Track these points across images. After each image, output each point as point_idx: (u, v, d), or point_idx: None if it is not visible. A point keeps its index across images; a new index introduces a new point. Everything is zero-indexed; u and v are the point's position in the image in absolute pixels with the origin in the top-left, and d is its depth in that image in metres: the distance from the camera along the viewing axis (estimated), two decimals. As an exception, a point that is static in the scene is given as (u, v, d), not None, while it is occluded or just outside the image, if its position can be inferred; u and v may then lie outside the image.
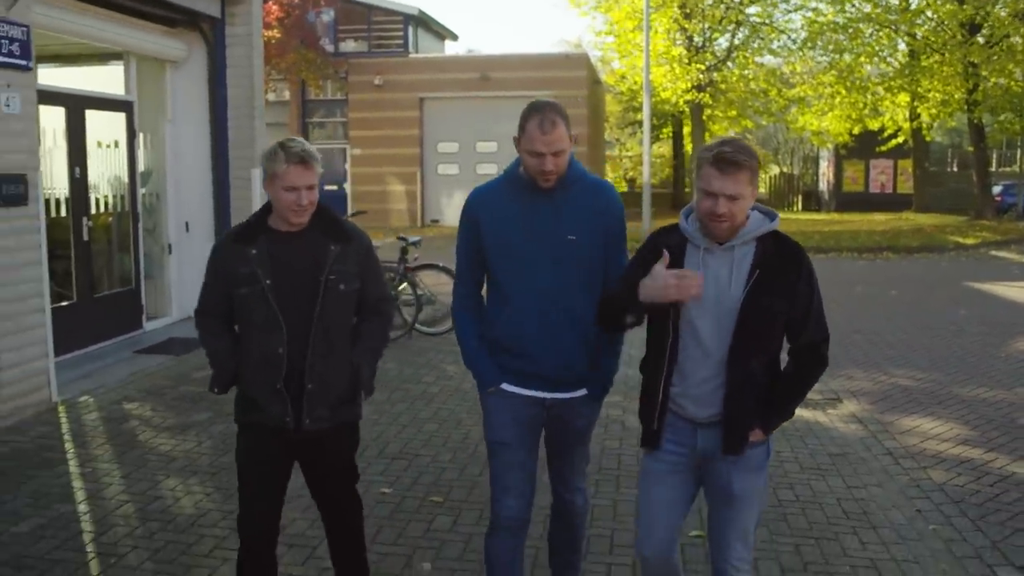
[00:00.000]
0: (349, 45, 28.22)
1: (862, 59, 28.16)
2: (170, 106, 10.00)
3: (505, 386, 3.41)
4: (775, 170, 42.62)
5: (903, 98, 28.94)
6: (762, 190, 40.41)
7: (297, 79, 26.70)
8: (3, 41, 6.21)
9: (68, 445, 5.99)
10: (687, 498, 3.17)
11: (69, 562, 4.26)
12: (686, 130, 32.80)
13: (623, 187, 41.45)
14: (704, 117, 28.65)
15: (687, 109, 28.97)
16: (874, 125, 30.40)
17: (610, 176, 41.00)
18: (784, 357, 3.08)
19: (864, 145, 32.92)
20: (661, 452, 3.10)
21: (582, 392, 3.40)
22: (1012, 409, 7.11)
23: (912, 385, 7.93)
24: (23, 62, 6.43)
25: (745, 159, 2.81)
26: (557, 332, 3.30)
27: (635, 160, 41.09)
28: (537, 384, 3.37)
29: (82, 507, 4.94)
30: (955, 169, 39.15)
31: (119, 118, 9.24)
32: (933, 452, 6.08)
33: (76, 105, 8.37)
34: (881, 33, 28.25)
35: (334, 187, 28.01)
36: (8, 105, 6.28)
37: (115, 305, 9.05)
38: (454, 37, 33.15)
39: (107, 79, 9.37)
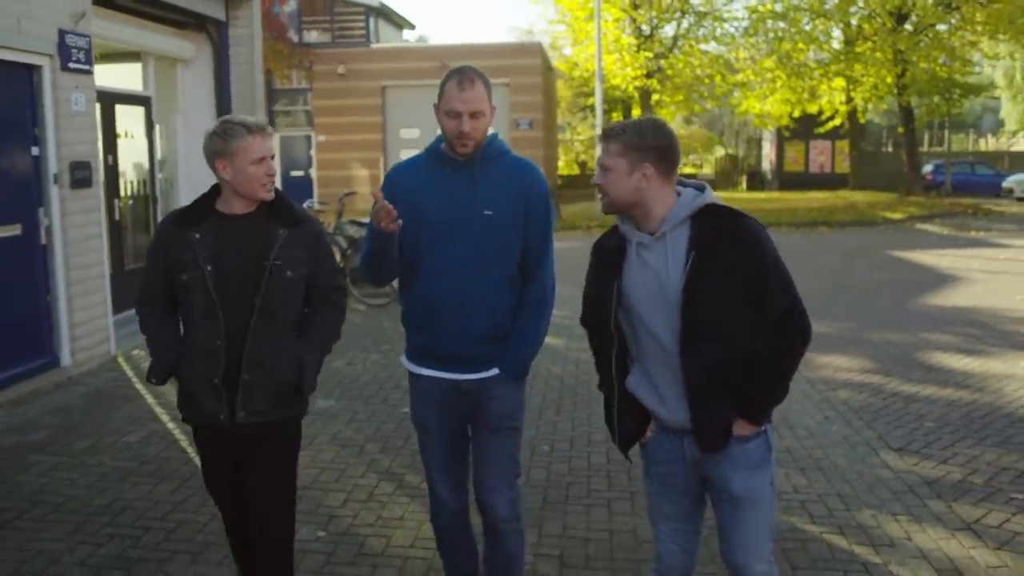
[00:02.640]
0: (312, 36, 29.23)
1: (800, 45, 29.76)
2: (181, 100, 11.16)
3: (422, 370, 3.36)
4: (720, 152, 44.31)
5: (839, 83, 30.63)
6: (708, 171, 42.17)
7: (264, 68, 27.64)
8: (73, 50, 7.39)
9: (138, 386, 7.24)
10: (697, 503, 3.02)
11: (176, 459, 5.55)
12: (635, 114, 34.20)
13: (575, 170, 42.83)
14: (652, 102, 30.11)
15: (636, 95, 30.40)
16: (812, 108, 32.01)
17: (562, 159, 42.36)
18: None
19: (804, 127, 34.59)
20: (656, 472, 2.99)
21: (494, 371, 3.28)
22: (910, 348, 8.63)
23: (831, 332, 9.41)
24: (87, 67, 7.62)
25: (619, 132, 2.78)
26: (467, 308, 3.22)
27: (586, 143, 42.47)
28: (450, 366, 3.30)
29: (170, 424, 6.21)
30: (890, 149, 41.11)
31: (139, 111, 10.39)
32: (843, 379, 7.53)
33: (108, 100, 9.51)
34: (817, 21, 29.89)
35: (300, 173, 29.06)
36: (76, 104, 7.47)
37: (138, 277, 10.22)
38: (411, 26, 34.29)
39: (127, 76, 10.51)
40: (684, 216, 2.77)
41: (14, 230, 7.03)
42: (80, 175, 7.52)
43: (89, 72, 7.67)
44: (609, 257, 2.91)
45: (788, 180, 36.90)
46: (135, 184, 10.32)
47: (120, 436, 5.96)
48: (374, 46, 28.84)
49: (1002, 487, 5.12)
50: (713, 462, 2.85)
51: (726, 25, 30.97)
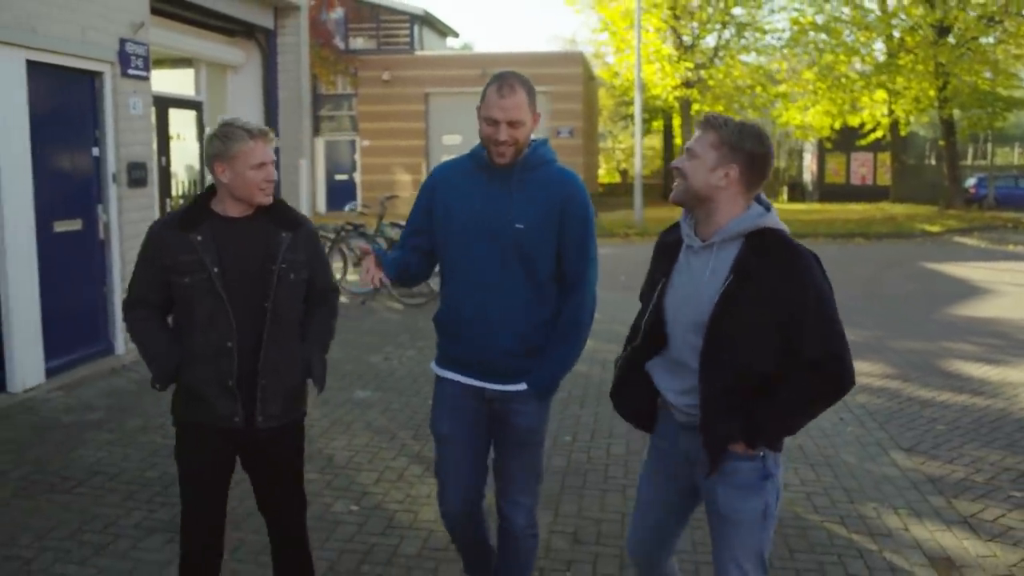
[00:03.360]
0: (358, 43, 29.83)
1: (842, 57, 29.79)
2: (230, 105, 11.65)
3: (447, 373, 3.34)
4: (762, 162, 44.25)
5: (880, 95, 30.60)
6: (749, 181, 42.15)
7: (310, 74, 28.29)
8: (132, 57, 7.87)
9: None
10: (674, 503, 2.99)
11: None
12: (676, 123, 34.42)
13: (616, 178, 43.08)
14: (692, 112, 30.31)
15: (676, 104, 30.61)
16: (854, 121, 31.99)
17: (603, 167, 42.61)
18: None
19: (846, 139, 34.53)
20: (656, 452, 2.99)
21: (521, 386, 3.23)
22: (931, 356, 8.83)
23: (856, 339, 9.59)
24: (144, 73, 8.09)
25: (721, 123, 2.70)
26: (490, 321, 3.18)
27: (627, 152, 42.71)
28: (474, 372, 3.26)
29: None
30: (934, 162, 40.86)
31: (190, 115, 10.90)
32: (862, 384, 7.76)
33: (162, 105, 10.01)
34: (859, 33, 29.91)
35: (344, 177, 29.66)
36: (134, 108, 7.94)
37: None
38: (455, 34, 34.79)
39: (180, 82, 11.03)
40: (739, 232, 2.67)
41: (75, 225, 7.51)
42: (136, 175, 7.99)
43: (146, 78, 8.14)
44: (666, 251, 2.86)
45: (829, 192, 36.82)
46: (185, 184, 10.82)
47: (168, 418, 6.36)
48: (418, 53, 29.37)
49: (1002, 486, 5.35)
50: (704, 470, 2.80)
51: (767, 37, 31.11)
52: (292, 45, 11.77)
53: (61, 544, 4.34)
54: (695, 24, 29.44)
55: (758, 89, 30.91)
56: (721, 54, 30.14)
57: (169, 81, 10.77)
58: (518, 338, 3.20)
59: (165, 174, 10.08)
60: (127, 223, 7.97)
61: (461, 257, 3.21)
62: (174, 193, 10.39)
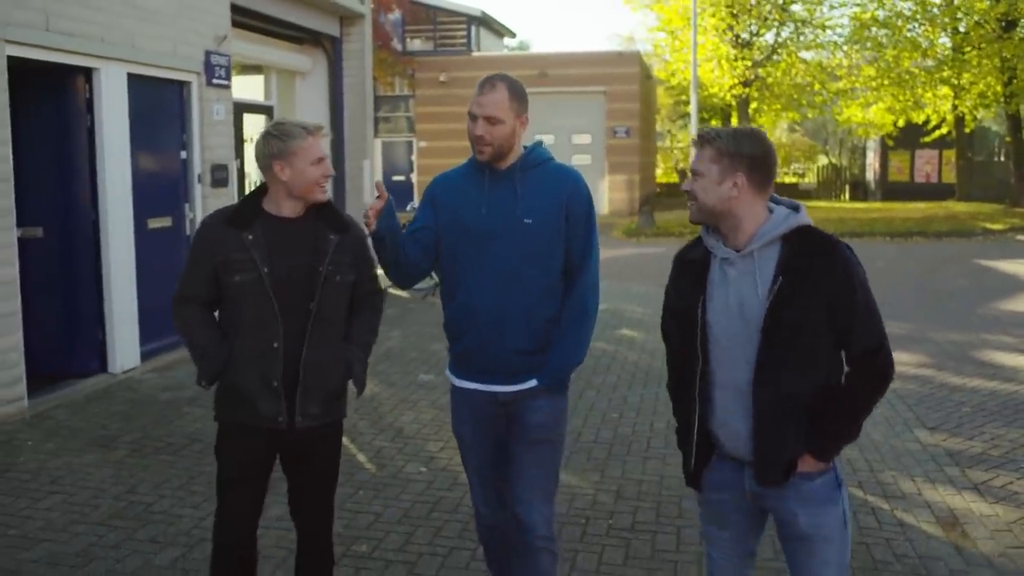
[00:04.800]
0: (415, 44, 30.79)
1: (905, 53, 29.93)
2: (298, 109, 12.57)
3: (462, 382, 3.41)
4: (823, 161, 44.40)
5: (944, 91, 30.68)
6: (810, 180, 42.31)
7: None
8: (216, 67, 8.79)
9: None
10: (754, 529, 2.96)
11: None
12: (734, 122, 34.80)
13: (674, 177, 43.47)
14: (750, 110, 30.73)
15: (734, 103, 31.05)
16: (918, 117, 32.01)
17: (661, 167, 43.08)
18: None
19: (909, 136, 34.48)
20: (714, 490, 2.91)
21: (532, 383, 3.30)
22: (968, 346, 9.38)
23: (898, 331, 10.15)
24: (226, 82, 9.01)
25: (715, 137, 2.74)
26: (505, 318, 3.25)
27: (685, 151, 43.09)
28: (489, 377, 3.33)
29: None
30: (1003, 159, 40.59)
31: (261, 120, 11.82)
32: (898, 372, 8.20)
33: (238, 110, 10.92)
34: (923, 28, 30.04)
35: (401, 178, 30.62)
36: (217, 114, 8.85)
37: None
38: (512, 35, 35.60)
39: (252, 87, 11.97)
40: (776, 235, 2.70)
41: (166, 222, 8.43)
42: (219, 176, 8.91)
43: (228, 87, 9.06)
44: (693, 271, 2.83)
45: (892, 190, 36.83)
46: (257, 184, 11.72)
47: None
48: (475, 54, 30.23)
49: (1016, 458, 5.94)
50: (776, 496, 2.76)
51: (828, 32, 31.37)
52: (357, 52, 12.66)
53: (175, 493, 5.19)
54: (753, 22, 29.84)
55: (817, 86, 31.19)
56: (780, 51, 30.49)
57: (242, 87, 11.69)
58: (529, 336, 3.27)
59: (240, 175, 10.99)
60: (210, 220, 8.88)
61: (471, 258, 3.27)
62: (249, 190, 11.30)
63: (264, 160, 3.21)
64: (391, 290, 12.14)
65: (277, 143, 3.17)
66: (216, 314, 3.33)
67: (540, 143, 3.42)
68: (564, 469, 5.51)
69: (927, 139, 33.37)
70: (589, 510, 5.02)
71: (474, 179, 3.33)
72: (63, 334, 7.53)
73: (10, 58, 6.54)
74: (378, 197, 3.19)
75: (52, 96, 7.48)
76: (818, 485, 2.75)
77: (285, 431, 3.23)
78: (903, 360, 8.71)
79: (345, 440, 6.07)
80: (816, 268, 2.66)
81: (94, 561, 4.34)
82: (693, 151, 2.81)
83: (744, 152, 2.71)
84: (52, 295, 7.49)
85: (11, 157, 6.52)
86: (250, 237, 3.16)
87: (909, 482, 5.51)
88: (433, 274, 3.44)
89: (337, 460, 3.47)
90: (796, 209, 2.78)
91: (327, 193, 3.28)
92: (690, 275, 2.84)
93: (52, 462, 5.68)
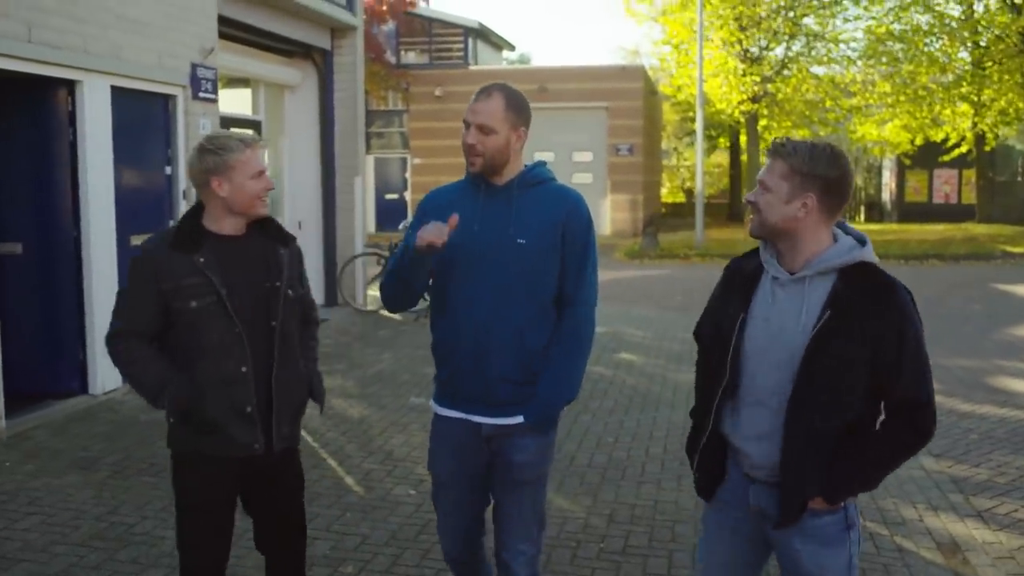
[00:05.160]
0: (410, 57, 31.12)
1: (922, 68, 30.23)
2: (287, 124, 12.80)
3: (446, 411, 3.38)
4: (837, 180, 44.62)
5: (964, 107, 30.97)
6: (823, 200, 42.53)
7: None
8: (202, 81, 9.01)
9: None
10: (754, 561, 2.97)
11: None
12: (742, 140, 35.15)
13: (680, 197, 43.82)
14: (759, 127, 31.03)
15: (743, 120, 31.36)
16: (936, 135, 32.25)
17: (667, 186, 43.38)
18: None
19: (927, 154, 34.71)
20: (719, 504, 2.94)
21: (518, 419, 3.27)
22: (980, 373, 9.56)
23: (907, 357, 10.37)
24: (213, 95, 9.24)
25: (790, 151, 2.69)
26: (493, 343, 3.22)
27: (692, 170, 43.40)
28: (472, 407, 3.30)
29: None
30: (1024, 179, 40.81)
31: (249, 134, 12.01)
32: (905, 398, 8.53)
33: (224, 124, 11.12)
34: (941, 42, 30.36)
35: (394, 196, 30.87)
36: (203, 128, 9.07)
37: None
38: (511, 47, 35.98)
39: (239, 101, 12.20)
40: (834, 266, 2.68)
41: (149, 239, 8.63)
42: (205, 192, 9.10)
43: (215, 100, 9.29)
44: (742, 282, 2.84)
45: (909, 211, 37.05)
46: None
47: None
48: (472, 68, 30.57)
49: (1022, 486, 6.11)
50: (786, 531, 2.77)
51: (841, 47, 31.71)
52: (348, 65, 12.91)
53: (157, 515, 5.35)
54: (762, 36, 30.19)
55: (828, 103, 31.49)
56: (790, 66, 30.83)
57: (229, 101, 11.92)
58: (517, 364, 3.24)
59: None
60: (195, 238, 9.08)
61: (460, 278, 3.26)
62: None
63: (200, 176, 3.17)
64: (382, 312, 12.32)
65: (213, 158, 3.15)
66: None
67: (543, 163, 3.40)
68: (557, 493, 5.75)
69: (946, 158, 33.63)
70: (580, 533, 5.19)
71: (469, 194, 3.31)
72: (43, 353, 7.69)
73: (-8, 70, 6.76)
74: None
75: (33, 109, 7.68)
76: (826, 523, 2.75)
77: (260, 457, 3.23)
78: (911, 386, 8.90)
79: (333, 463, 6.31)
80: (868, 308, 2.63)
81: (74, 582, 4.49)
82: (765, 162, 2.77)
83: (819, 172, 2.66)
84: (32, 313, 7.66)
85: (-8, 171, 6.73)
86: (201, 259, 3.14)
87: (911, 508, 5.68)
88: (426, 295, 3.46)
89: (303, 478, 3.51)
90: (863, 242, 2.75)
91: (266, 207, 3.27)
92: (738, 286, 2.85)
93: (31, 483, 5.84)
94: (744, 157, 35.68)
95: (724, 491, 2.93)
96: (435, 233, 3.04)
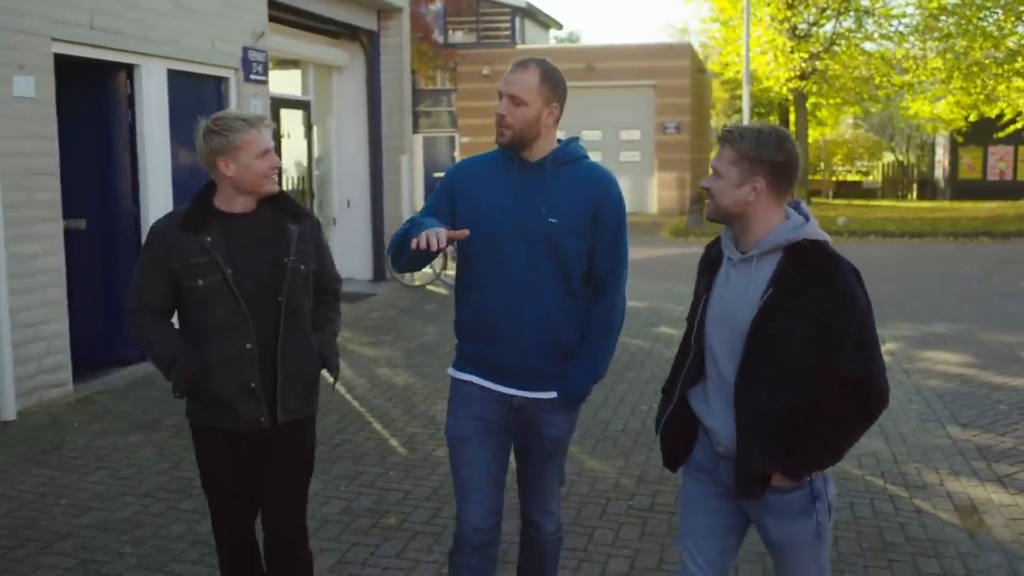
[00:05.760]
0: (458, 36, 31.41)
1: (977, 43, 29.86)
2: (336, 104, 13.18)
3: (471, 376, 3.35)
4: (889, 158, 44.29)
5: (1019, 83, 30.54)
6: (875, 178, 42.26)
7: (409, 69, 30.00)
8: (253, 63, 9.41)
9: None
10: (734, 528, 3.04)
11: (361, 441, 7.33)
12: (791, 118, 34.99)
13: (729, 175, 43.61)
14: (808, 105, 30.90)
15: (791, 97, 31.25)
16: (990, 111, 31.87)
17: (716, 164, 43.19)
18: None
19: (982, 131, 34.16)
20: (696, 476, 3.04)
21: (551, 395, 3.30)
22: (1018, 347, 9.67)
23: (946, 332, 10.52)
24: (263, 77, 9.63)
25: (737, 138, 2.81)
26: (524, 320, 3.23)
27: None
28: (503, 378, 3.30)
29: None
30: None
31: (299, 114, 12.45)
32: (939, 371, 8.71)
33: (275, 105, 11.55)
34: (996, 17, 29.95)
35: (442, 174, 31.12)
36: (255, 109, 9.47)
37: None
38: (559, 26, 36.13)
39: (289, 82, 12.60)
40: (777, 244, 2.79)
41: (204, 216, 9.06)
42: (256, 171, 9.52)
43: (265, 82, 9.68)
44: (708, 265, 2.99)
45: (963, 188, 36.65)
46: (295, 180, 12.38)
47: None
48: (519, 47, 30.77)
49: (1046, 455, 6.31)
50: (754, 504, 2.89)
51: (893, 22, 31.40)
52: (395, 46, 13.25)
53: (214, 471, 5.75)
54: (811, 12, 30.03)
55: (877, 79, 31.24)
56: (839, 43, 30.63)
57: (279, 82, 12.32)
58: (549, 340, 3.27)
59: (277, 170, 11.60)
60: (247, 215, 9.50)
61: (489, 254, 3.24)
62: (284, 187, 11.93)
63: (208, 158, 3.23)
64: (429, 287, 12.68)
65: (219, 139, 3.19)
66: (175, 322, 3.38)
67: (576, 139, 3.38)
68: (591, 455, 6.09)
69: (1001, 134, 33.16)
70: (611, 492, 5.50)
71: (502, 169, 3.28)
72: (104, 323, 8.15)
73: (56, 55, 7.17)
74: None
75: (95, 92, 8.12)
76: (791, 499, 2.85)
77: (266, 430, 3.31)
78: (945, 360, 9.07)
79: (378, 426, 6.69)
80: (811, 285, 2.72)
81: (141, 527, 4.91)
82: (718, 146, 2.87)
83: (766, 157, 2.78)
84: (94, 286, 8.13)
85: (57, 152, 7.15)
86: (208, 239, 3.20)
87: (933, 474, 5.91)
88: (433, 265, 3.52)
89: (313, 451, 3.54)
90: (807, 219, 2.85)
91: (276, 184, 3.31)
92: (706, 271, 2.99)
93: (98, 441, 6.29)
94: (793, 135, 35.43)
95: (700, 465, 3.01)
96: (434, 240, 2.98)
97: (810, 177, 35.92)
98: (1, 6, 6.61)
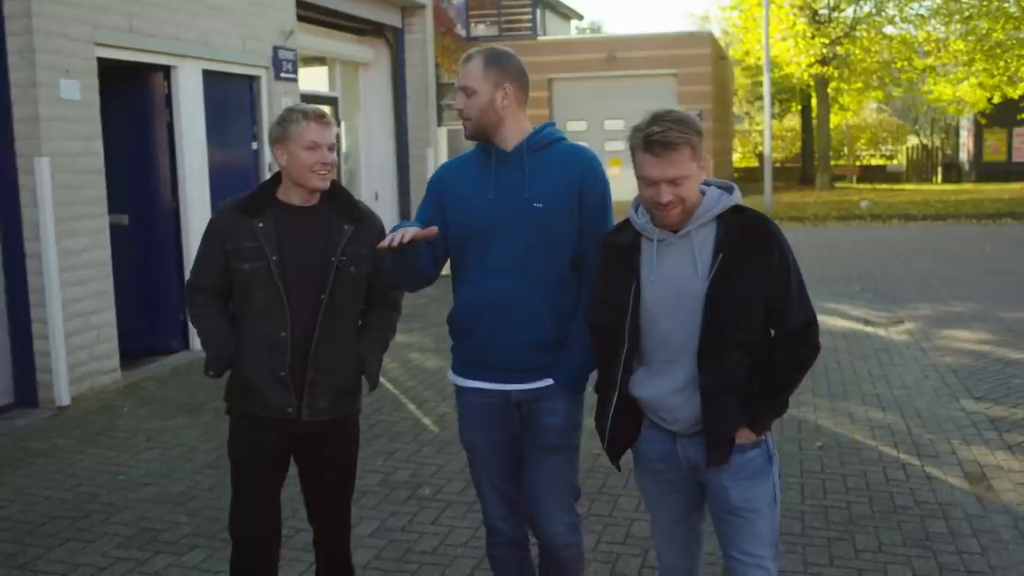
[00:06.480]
0: (480, 29, 31.65)
1: (997, 24, 29.78)
2: (362, 100, 13.50)
3: (469, 382, 3.33)
4: (913, 141, 44.17)
5: (1042, 63, 30.42)
6: (899, 162, 42.17)
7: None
8: (283, 62, 9.73)
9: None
10: (696, 509, 3.10)
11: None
12: (813, 104, 35.02)
13: (753, 162, 43.69)
14: (830, 89, 30.95)
15: (812, 82, 31.30)
16: (1014, 93, 31.74)
17: (739, 151, 43.33)
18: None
19: (1006, 112, 33.95)
20: (650, 469, 3.04)
21: (548, 382, 3.22)
22: (1034, 324, 9.89)
23: (964, 311, 10.69)
24: (293, 75, 9.96)
25: (680, 135, 2.74)
26: (516, 310, 3.19)
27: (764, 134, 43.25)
28: (499, 375, 3.25)
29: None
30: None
31: (326, 110, 12.76)
32: (955, 348, 8.90)
33: (304, 102, 11.87)
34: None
35: (466, 166, 31.49)
36: (285, 106, 9.79)
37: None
38: (579, 17, 36.33)
39: (316, 79, 12.93)
40: (711, 216, 2.85)
41: (239, 210, 9.41)
42: (289, 166, 9.86)
43: (295, 80, 10.02)
44: (622, 256, 2.94)
45: (988, 171, 36.46)
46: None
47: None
48: (540, 38, 31.00)
49: (1058, 425, 6.52)
50: (711, 469, 2.91)
51: (914, 5, 31.39)
52: (419, 42, 13.58)
53: (258, 450, 6.09)
54: (830, -1, 30.06)
55: (899, 64, 31.22)
56: (860, 27, 30.65)
57: (307, 79, 12.64)
58: (543, 329, 3.22)
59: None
60: (280, 208, 9.84)
61: (480, 248, 3.23)
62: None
63: (271, 146, 3.35)
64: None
65: (278, 128, 3.29)
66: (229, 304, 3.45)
67: (551, 123, 3.36)
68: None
69: (1024, 116, 33.09)
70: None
71: (480, 164, 3.27)
72: (148, 314, 8.52)
73: (99, 59, 7.52)
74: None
75: (135, 93, 8.48)
76: (750, 458, 2.92)
77: (295, 423, 3.31)
78: (963, 338, 9.28)
79: (412, 406, 7.01)
80: (751, 244, 2.82)
81: (193, 500, 5.26)
82: (646, 157, 2.81)
83: (696, 139, 2.82)
84: (137, 279, 8.49)
85: (102, 151, 7.51)
86: (260, 225, 3.25)
87: (945, 443, 6.14)
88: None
89: (353, 458, 3.54)
90: (729, 190, 2.92)
91: (324, 181, 3.29)
92: (619, 259, 2.96)
93: (147, 424, 6.66)
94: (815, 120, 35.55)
95: (651, 459, 3.03)
96: (397, 237, 2.98)
97: (833, 162, 35.97)
98: (48, 15, 6.95)
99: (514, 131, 3.25)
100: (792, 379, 2.94)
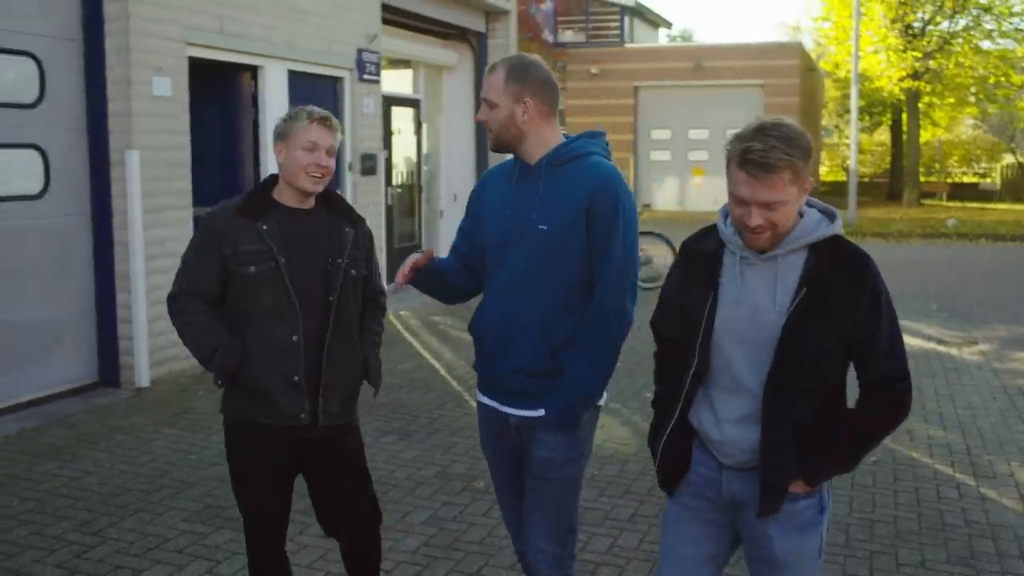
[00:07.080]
0: (567, 35, 31.83)
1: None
2: (444, 103, 13.76)
3: (481, 396, 3.31)
4: (1009, 159, 43.05)
5: None
6: (993, 180, 41.14)
7: (518, 68, 30.51)
8: (367, 64, 10.02)
9: (421, 333, 9.79)
10: (719, 555, 2.83)
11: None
12: (903, 118, 34.41)
13: (841, 176, 43.05)
14: (921, 104, 30.38)
15: (904, 97, 30.77)
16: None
17: (826, 164, 42.73)
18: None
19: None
20: (685, 497, 2.79)
21: (540, 412, 3.08)
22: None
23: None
24: (376, 77, 10.25)
25: (783, 156, 2.43)
26: (515, 334, 3.09)
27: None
28: (501, 396, 3.18)
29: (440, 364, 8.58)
30: None
31: (409, 112, 13.06)
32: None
33: (387, 103, 12.17)
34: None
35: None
36: (367, 107, 10.09)
37: (404, 255, 12.89)
38: (668, 25, 36.23)
39: (400, 82, 13.22)
40: (804, 243, 2.58)
41: (318, 207, 9.73)
42: (368, 164, 10.16)
43: (377, 81, 10.31)
44: (702, 263, 2.70)
45: (1091, 192, 35.52)
46: (404, 174, 13.00)
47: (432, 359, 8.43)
48: (628, 46, 31.04)
49: (1122, 450, 6.43)
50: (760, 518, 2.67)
51: (1014, 20, 30.66)
52: (502, 47, 13.78)
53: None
54: (924, 11, 29.51)
55: (992, 80, 30.51)
56: (954, 42, 30.04)
57: (391, 81, 12.95)
58: (539, 355, 3.07)
59: (387, 165, 12.23)
60: (359, 206, 10.09)
61: (492, 265, 3.19)
62: (395, 182, 12.57)
63: (273, 144, 3.29)
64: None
65: (281, 126, 3.24)
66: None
67: (590, 134, 3.19)
68: (626, 425, 6.42)
69: None
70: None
71: (511, 177, 3.18)
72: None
73: (190, 58, 7.87)
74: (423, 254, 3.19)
75: (224, 92, 8.84)
76: (802, 507, 2.66)
77: (306, 429, 3.24)
78: (1033, 359, 9.16)
79: (473, 404, 7.15)
80: (843, 284, 2.55)
81: (258, 481, 5.51)
82: (740, 175, 2.51)
83: (800, 162, 2.52)
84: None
85: (190, 146, 7.85)
86: (264, 227, 3.18)
87: (1004, 465, 6.10)
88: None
89: (364, 459, 3.49)
90: (832, 217, 2.66)
91: (318, 186, 3.24)
92: (699, 267, 2.72)
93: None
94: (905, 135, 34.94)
95: (692, 483, 2.79)
96: (400, 276, 3.11)
97: (924, 179, 35.29)
98: (143, 16, 7.32)
99: (537, 145, 3.12)
100: (867, 438, 2.68)
